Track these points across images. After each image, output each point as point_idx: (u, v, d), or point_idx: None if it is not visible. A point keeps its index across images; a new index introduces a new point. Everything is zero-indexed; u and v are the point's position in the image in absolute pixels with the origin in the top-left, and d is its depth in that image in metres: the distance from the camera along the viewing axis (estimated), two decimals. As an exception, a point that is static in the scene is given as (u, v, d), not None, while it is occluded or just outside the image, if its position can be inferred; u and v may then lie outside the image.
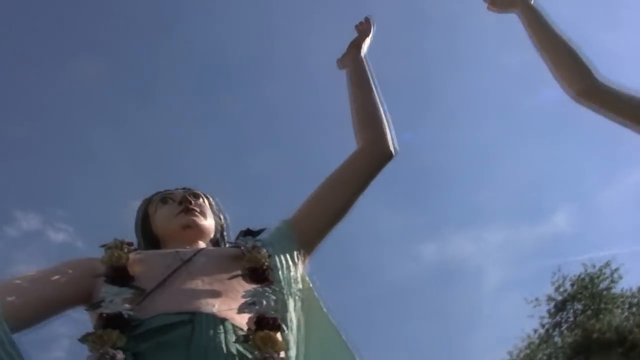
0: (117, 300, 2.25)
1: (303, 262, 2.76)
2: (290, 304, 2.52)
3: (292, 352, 2.41)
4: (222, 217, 2.97)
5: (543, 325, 25.86)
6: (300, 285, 2.66)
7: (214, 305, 2.25)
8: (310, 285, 2.74)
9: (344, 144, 3.00)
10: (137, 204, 3.03)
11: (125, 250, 2.50)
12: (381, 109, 3.00)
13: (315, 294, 2.72)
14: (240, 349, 2.15)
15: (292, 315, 2.51)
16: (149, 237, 2.85)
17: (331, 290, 2.81)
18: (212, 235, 2.84)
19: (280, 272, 2.55)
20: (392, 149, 2.90)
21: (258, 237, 2.67)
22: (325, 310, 2.67)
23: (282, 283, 2.52)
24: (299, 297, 2.63)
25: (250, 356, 2.11)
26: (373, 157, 2.88)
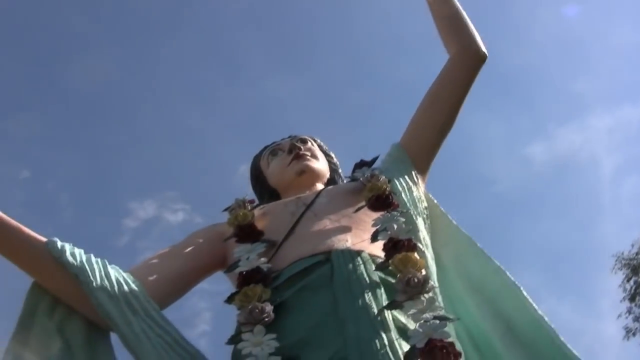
0: (252, 256, 2.29)
1: (422, 181, 2.75)
2: (420, 223, 2.52)
3: (432, 269, 2.41)
4: (332, 156, 2.98)
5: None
6: (425, 204, 2.66)
7: (346, 240, 2.26)
8: (435, 201, 2.73)
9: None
10: (247, 167, 3.07)
11: (249, 208, 2.53)
12: (465, 15, 2.94)
13: (441, 209, 2.72)
14: (382, 275, 2.16)
15: (424, 233, 2.51)
16: (267, 192, 2.88)
17: (451, 206, 2.79)
18: (327, 176, 2.86)
19: (403, 195, 2.55)
20: (484, 50, 2.84)
21: (373, 166, 2.66)
22: (454, 223, 2.67)
23: (408, 204, 2.52)
24: (426, 215, 2.62)
25: (393, 280, 2.11)
26: (467, 62, 2.83)
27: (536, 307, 2.33)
